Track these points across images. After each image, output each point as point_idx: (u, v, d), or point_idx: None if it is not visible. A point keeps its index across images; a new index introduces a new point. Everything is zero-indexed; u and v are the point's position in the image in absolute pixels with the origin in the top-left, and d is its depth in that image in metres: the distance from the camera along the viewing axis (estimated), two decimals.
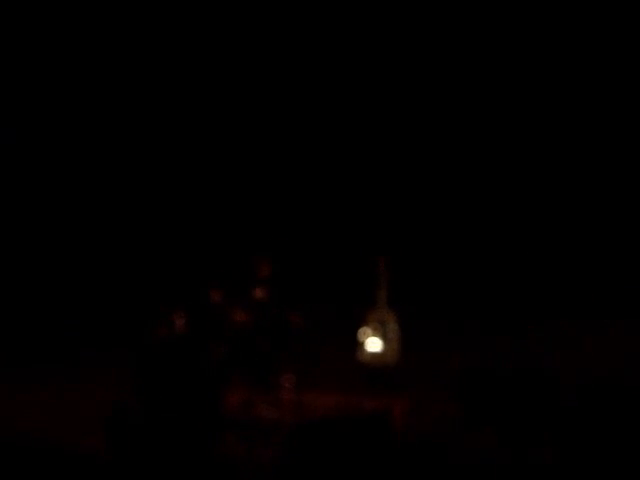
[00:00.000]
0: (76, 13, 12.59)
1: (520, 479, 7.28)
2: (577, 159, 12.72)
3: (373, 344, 9.65)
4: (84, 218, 12.87)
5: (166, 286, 11.74)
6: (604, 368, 9.85)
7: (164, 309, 8.56)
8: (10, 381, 9.98)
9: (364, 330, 9.70)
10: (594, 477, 7.23)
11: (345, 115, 13.03)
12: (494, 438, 7.86)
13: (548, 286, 11.43)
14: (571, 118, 12.75)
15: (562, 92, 12.76)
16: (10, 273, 12.49)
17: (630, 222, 12.68)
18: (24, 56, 12.62)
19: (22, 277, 12.52)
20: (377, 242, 10.64)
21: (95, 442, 7.88)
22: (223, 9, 12.83)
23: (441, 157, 13.08)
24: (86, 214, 12.89)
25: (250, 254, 8.44)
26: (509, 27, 12.60)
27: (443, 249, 12.94)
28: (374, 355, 9.63)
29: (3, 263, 12.49)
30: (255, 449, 7.80)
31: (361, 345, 9.69)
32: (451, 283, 12.58)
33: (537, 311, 10.32)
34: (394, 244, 10.82)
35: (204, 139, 13.07)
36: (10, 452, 7.69)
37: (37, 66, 12.65)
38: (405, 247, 12.04)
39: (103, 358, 10.61)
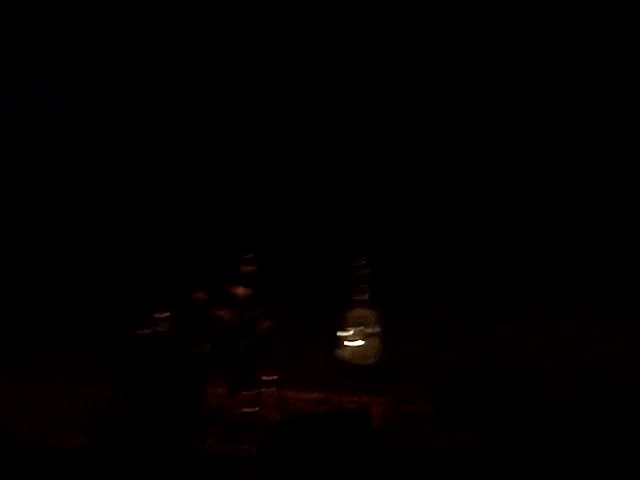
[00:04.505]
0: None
1: (499, 477, 7.33)
2: (548, 155, 12.79)
3: (354, 342, 9.75)
4: (69, 218, 12.84)
5: (149, 285, 11.79)
6: (584, 367, 9.97)
7: (147, 308, 8.63)
8: None
9: (345, 328, 9.80)
10: (575, 475, 7.31)
11: (323, 117, 13.05)
12: (473, 436, 7.94)
13: (528, 286, 11.49)
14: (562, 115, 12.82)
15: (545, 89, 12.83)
16: None
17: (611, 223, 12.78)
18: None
19: (4, 276, 12.49)
20: (358, 240, 10.67)
21: (78, 440, 7.93)
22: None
23: (420, 155, 13.11)
24: (71, 214, 12.86)
25: (232, 254, 8.49)
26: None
27: (424, 248, 12.98)
28: (354, 353, 9.72)
29: None
30: (237, 445, 7.89)
31: (342, 343, 9.79)
32: (431, 281, 12.63)
33: (516, 310, 10.40)
34: (375, 242, 10.86)
35: (187, 141, 13.07)
36: None
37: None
38: (386, 245, 12.09)
39: (86, 356, 10.60)
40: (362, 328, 9.74)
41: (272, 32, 12.99)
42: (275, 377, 8.34)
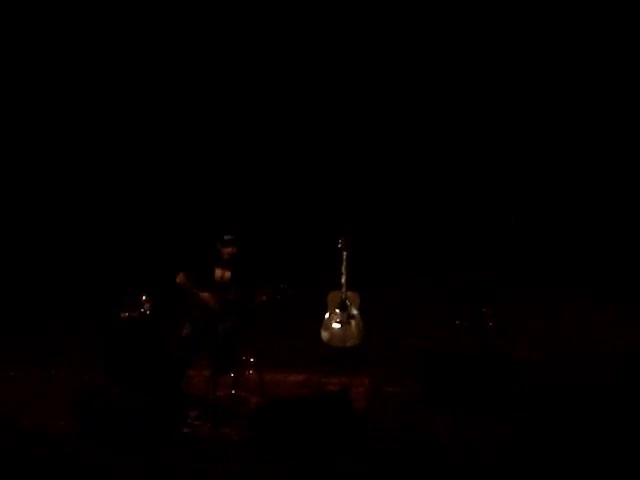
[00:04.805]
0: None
1: (477, 456, 7.39)
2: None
3: (335, 324, 9.80)
4: (54, 203, 12.88)
5: (131, 269, 11.81)
6: (557, 349, 10.07)
7: (130, 291, 8.64)
8: None
9: (325, 311, 9.83)
10: (552, 453, 7.37)
11: (302, 103, 13.08)
12: (452, 416, 8.01)
13: (505, 270, 11.55)
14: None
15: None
16: None
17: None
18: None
19: None
20: (340, 224, 10.71)
21: (63, 423, 7.95)
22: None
23: (400, 138, 13.17)
24: (56, 200, 12.89)
25: (214, 237, 8.49)
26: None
27: (406, 231, 13.04)
28: (335, 335, 9.76)
29: None
30: (219, 427, 7.93)
31: (322, 325, 9.83)
32: (413, 265, 12.69)
33: (494, 294, 10.44)
34: (357, 226, 10.90)
35: (168, 127, 13.07)
36: None
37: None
38: (368, 229, 12.13)
39: (70, 339, 10.62)
40: (343, 311, 9.77)
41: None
42: (256, 359, 8.37)
